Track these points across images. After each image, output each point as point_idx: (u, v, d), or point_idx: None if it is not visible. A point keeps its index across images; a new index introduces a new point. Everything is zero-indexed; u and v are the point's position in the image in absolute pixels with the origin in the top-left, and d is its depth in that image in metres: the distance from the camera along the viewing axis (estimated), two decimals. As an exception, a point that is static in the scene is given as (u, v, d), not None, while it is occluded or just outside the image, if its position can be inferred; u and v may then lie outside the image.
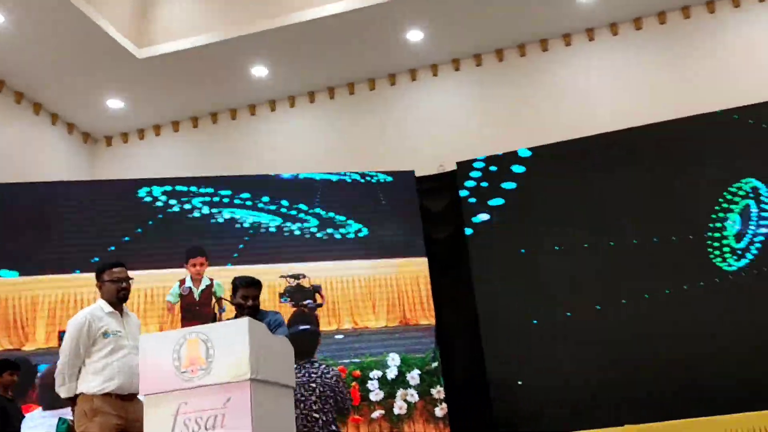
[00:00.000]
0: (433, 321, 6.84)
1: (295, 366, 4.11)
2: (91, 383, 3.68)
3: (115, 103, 8.79)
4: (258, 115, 9.14)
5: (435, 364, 6.70)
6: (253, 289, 3.93)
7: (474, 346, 6.69)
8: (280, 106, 9.10)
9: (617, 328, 6.34)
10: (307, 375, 4.25)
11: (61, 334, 5.96)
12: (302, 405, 4.12)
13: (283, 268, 6.78)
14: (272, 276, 6.63)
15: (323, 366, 4.38)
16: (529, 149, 7.10)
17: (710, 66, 7.86)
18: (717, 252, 6.41)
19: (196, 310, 6.45)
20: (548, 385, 6.35)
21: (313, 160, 8.39)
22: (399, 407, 6.59)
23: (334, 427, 4.22)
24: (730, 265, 6.34)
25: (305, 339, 4.38)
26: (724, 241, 6.42)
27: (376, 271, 7.01)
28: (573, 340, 6.39)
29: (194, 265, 6.57)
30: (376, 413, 6.54)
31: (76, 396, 3.73)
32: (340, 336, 6.73)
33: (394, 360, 6.70)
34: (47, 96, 8.50)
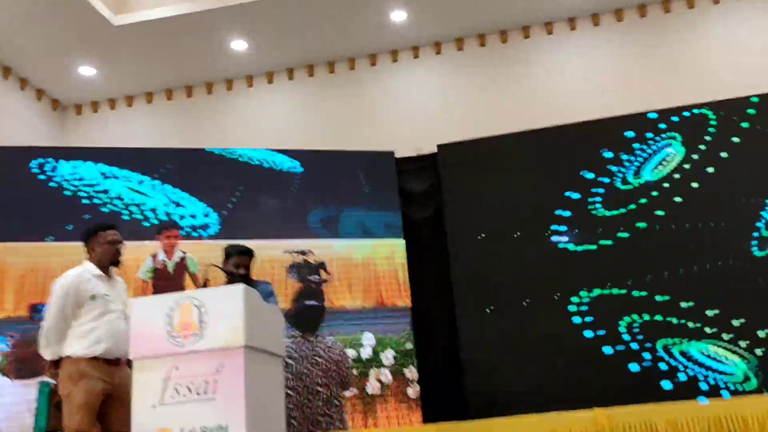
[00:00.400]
0: (409, 302, 6.82)
1: (301, 340, 4.10)
2: (78, 346, 3.58)
3: (87, 71, 8.55)
4: (235, 90, 8.98)
5: (409, 345, 6.69)
6: (246, 257, 3.91)
7: (450, 328, 6.70)
8: (258, 82, 8.96)
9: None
10: (312, 349, 4.24)
11: (32, 306, 5.80)
12: (307, 378, 4.13)
13: (262, 243, 6.67)
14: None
15: (329, 341, 4.39)
16: (510, 134, 7.10)
17: (689, 59, 7.99)
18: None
19: (169, 283, 6.29)
20: (521, 368, 6.38)
21: (290, 138, 8.29)
22: (372, 387, 6.57)
23: (337, 402, 4.22)
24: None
25: (311, 314, 4.37)
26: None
27: (352, 252, 6.97)
28: (549, 325, 6.42)
29: (168, 238, 6.40)
30: (349, 392, 6.51)
31: (60, 359, 3.63)
32: (316, 314, 6.67)
33: (368, 340, 6.68)
34: (17, 60, 8.21)
